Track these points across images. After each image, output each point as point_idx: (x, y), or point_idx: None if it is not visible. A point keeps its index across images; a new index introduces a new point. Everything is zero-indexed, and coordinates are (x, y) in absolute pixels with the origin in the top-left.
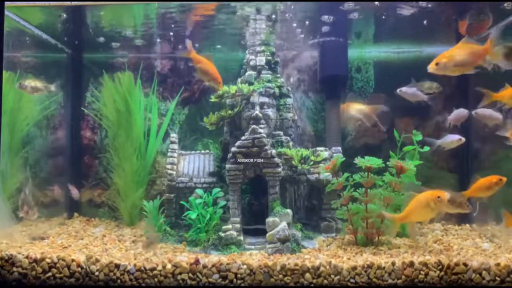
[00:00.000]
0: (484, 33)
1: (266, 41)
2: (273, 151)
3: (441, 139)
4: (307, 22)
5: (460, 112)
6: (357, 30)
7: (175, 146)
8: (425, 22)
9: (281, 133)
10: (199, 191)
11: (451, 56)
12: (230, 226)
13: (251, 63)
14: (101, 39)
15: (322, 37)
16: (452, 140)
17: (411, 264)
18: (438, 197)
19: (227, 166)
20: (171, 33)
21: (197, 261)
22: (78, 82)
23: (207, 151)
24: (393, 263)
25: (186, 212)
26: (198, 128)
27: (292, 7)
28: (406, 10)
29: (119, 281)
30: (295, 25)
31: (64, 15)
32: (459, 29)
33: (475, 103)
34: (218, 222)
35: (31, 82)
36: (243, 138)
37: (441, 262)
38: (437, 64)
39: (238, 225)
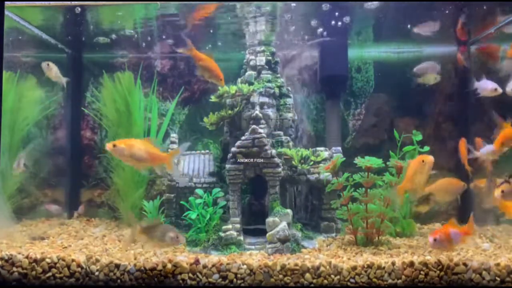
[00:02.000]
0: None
1: (266, 41)
2: (273, 151)
3: (484, 148)
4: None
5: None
6: (357, 30)
7: (175, 146)
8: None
9: (281, 133)
10: (199, 191)
11: (130, 145)
12: (230, 226)
13: (251, 63)
14: (103, 38)
15: (322, 37)
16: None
17: (411, 264)
18: (422, 161)
19: (227, 166)
20: (172, 33)
21: (197, 261)
22: (78, 82)
23: (207, 151)
24: (393, 263)
25: (186, 212)
26: (198, 128)
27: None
28: None
29: (119, 281)
30: (294, 25)
31: (79, 9)
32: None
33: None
34: (218, 222)
35: (57, 70)
36: (243, 138)
37: (441, 262)
38: (114, 145)
39: (238, 225)
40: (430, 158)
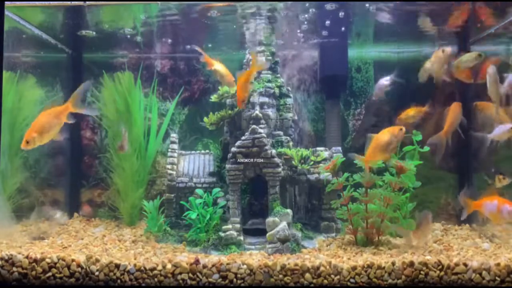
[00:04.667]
0: None
1: (266, 41)
2: (273, 151)
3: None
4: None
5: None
6: (357, 30)
7: (175, 146)
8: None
9: (281, 133)
10: (199, 191)
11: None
12: (230, 226)
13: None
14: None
15: (322, 38)
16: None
17: (411, 264)
18: (401, 129)
19: (227, 166)
20: (172, 34)
21: (197, 261)
22: (78, 82)
23: (207, 151)
24: (393, 263)
25: (186, 212)
26: (198, 128)
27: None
28: None
29: (119, 281)
30: (295, 25)
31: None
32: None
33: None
34: (218, 222)
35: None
36: (243, 138)
37: (441, 262)
38: (27, 142)
39: (238, 225)
40: (403, 129)
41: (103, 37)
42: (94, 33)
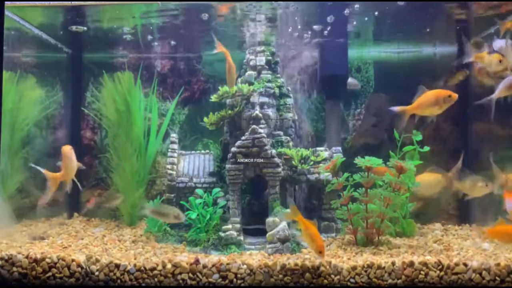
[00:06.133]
0: None
1: (266, 41)
2: (273, 151)
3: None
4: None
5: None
6: (357, 30)
7: (175, 146)
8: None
9: (281, 133)
10: (199, 191)
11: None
12: (230, 226)
13: (251, 63)
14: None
15: (322, 37)
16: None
17: (411, 264)
18: (449, 96)
19: (227, 166)
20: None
21: (197, 261)
22: (78, 82)
23: (207, 151)
24: (393, 263)
25: (186, 212)
26: (198, 128)
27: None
28: None
29: (119, 281)
30: (294, 25)
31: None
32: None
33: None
34: (218, 222)
35: None
36: (243, 138)
37: (441, 262)
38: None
39: (238, 225)
40: (455, 96)
41: (103, 36)
42: (85, 28)
